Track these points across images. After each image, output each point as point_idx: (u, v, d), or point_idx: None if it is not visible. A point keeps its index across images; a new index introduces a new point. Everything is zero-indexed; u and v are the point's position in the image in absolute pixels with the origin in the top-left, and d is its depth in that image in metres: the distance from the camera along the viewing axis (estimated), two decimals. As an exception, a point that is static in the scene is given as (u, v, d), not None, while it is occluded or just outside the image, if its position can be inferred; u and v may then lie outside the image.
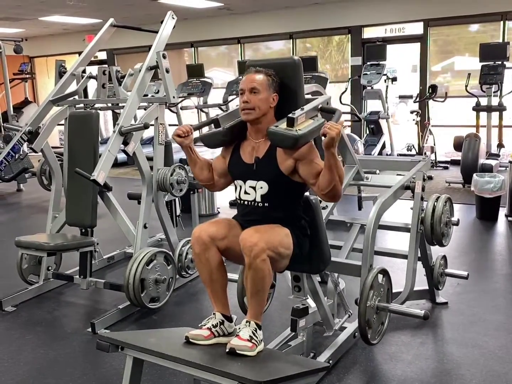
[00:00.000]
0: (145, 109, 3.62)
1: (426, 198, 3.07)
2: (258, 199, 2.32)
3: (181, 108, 9.26)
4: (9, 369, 2.74)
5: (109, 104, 4.18)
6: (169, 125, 9.14)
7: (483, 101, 7.45)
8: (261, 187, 2.31)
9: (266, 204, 2.31)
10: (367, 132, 8.72)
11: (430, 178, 3.15)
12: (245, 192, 2.35)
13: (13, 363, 2.79)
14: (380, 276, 2.64)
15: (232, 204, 2.54)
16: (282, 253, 2.22)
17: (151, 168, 3.52)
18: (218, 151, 2.55)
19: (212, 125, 2.46)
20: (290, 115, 2.19)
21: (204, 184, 2.59)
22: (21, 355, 2.88)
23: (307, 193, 2.45)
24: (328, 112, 2.35)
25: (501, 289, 3.60)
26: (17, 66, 10.30)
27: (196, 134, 2.48)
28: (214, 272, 2.29)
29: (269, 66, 2.35)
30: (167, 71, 3.45)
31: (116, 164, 7.89)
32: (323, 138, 2.10)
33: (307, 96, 2.51)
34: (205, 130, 2.63)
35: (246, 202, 2.36)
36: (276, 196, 2.31)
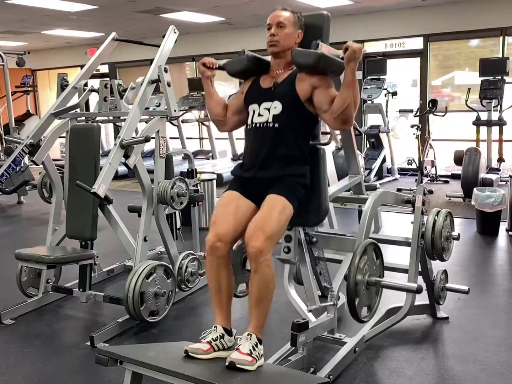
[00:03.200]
0: (146, 122, 3.64)
1: (426, 212, 3.07)
2: (270, 119, 2.39)
3: (182, 122, 9.29)
4: (7, 383, 2.72)
5: (111, 117, 4.20)
6: (170, 138, 9.19)
7: (483, 116, 7.48)
8: (275, 107, 2.40)
9: (276, 125, 2.38)
10: (368, 146, 8.74)
11: (430, 192, 3.15)
12: (259, 115, 2.43)
13: (11, 377, 2.77)
14: (372, 251, 2.54)
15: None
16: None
17: (152, 181, 3.53)
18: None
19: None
20: (314, 41, 2.36)
21: (215, 119, 2.67)
22: (19, 368, 2.86)
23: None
24: None
25: (502, 304, 3.58)
26: (19, 79, 10.36)
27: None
28: (223, 281, 2.32)
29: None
30: (169, 85, 3.47)
31: (117, 176, 7.89)
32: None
33: None
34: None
35: (257, 125, 2.42)
36: (288, 118, 2.38)
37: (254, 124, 2.44)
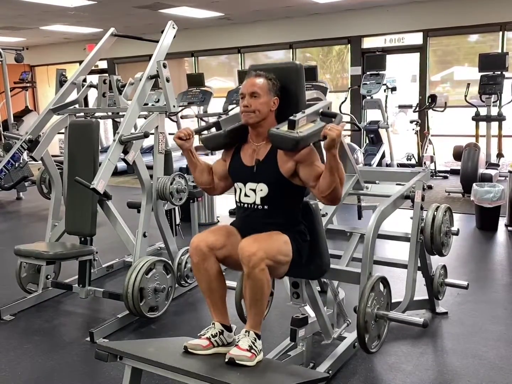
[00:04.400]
0: (145, 118, 3.63)
1: (425, 207, 3.07)
2: (258, 201, 2.32)
3: (181, 117, 9.27)
4: (7, 379, 2.72)
5: (110, 113, 4.20)
6: (169, 134, 9.17)
7: (483, 111, 7.47)
8: (261, 190, 2.32)
9: (265, 207, 2.32)
10: (367, 141, 8.73)
11: (429, 187, 3.16)
12: (245, 195, 2.36)
13: (11, 373, 2.78)
14: (380, 284, 2.63)
15: (232, 213, 2.55)
16: (281, 260, 2.22)
17: (151, 177, 3.52)
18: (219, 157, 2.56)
19: (214, 128, 2.48)
20: (291, 117, 2.20)
21: (204, 187, 2.59)
22: (19, 364, 2.86)
23: (306, 199, 2.45)
24: (329, 116, 2.36)
25: (501, 299, 3.59)
26: (18, 74, 10.34)
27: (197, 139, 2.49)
28: (213, 282, 2.28)
29: (271, 70, 2.36)
30: (168, 80, 3.47)
31: (116, 172, 7.88)
32: (322, 144, 2.11)
33: (308, 102, 2.52)
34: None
35: (246, 205, 2.36)
36: (276, 199, 2.32)
37: (242, 204, 2.38)
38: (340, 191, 2.21)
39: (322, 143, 2.14)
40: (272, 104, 2.32)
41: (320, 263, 2.41)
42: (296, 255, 2.28)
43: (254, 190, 2.33)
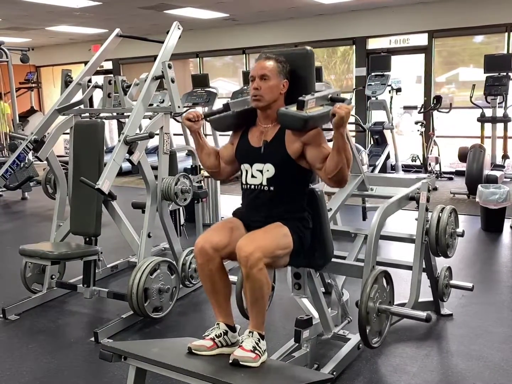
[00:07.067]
0: (150, 119, 3.64)
1: (430, 209, 3.06)
2: (264, 182, 2.33)
3: (186, 118, 9.27)
4: (11, 378, 2.73)
5: (115, 114, 4.20)
6: (174, 134, 9.19)
7: (488, 112, 7.45)
8: (268, 170, 2.32)
9: (271, 188, 2.32)
10: (372, 142, 8.71)
11: (434, 189, 3.15)
12: (252, 176, 2.36)
13: (15, 372, 2.78)
14: (383, 279, 2.60)
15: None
16: (280, 254, 2.23)
17: (156, 177, 3.53)
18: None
19: (223, 109, 2.49)
20: (300, 98, 2.21)
21: (210, 171, 2.61)
22: (23, 364, 2.87)
23: (312, 186, 2.45)
24: (338, 101, 2.34)
25: (506, 301, 3.58)
26: (24, 75, 10.36)
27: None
28: (218, 283, 2.28)
29: (281, 55, 2.37)
30: (173, 81, 3.47)
31: (121, 173, 7.87)
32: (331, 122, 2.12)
33: (317, 89, 2.51)
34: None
35: (252, 186, 2.36)
36: (282, 180, 2.32)
37: (248, 186, 2.38)
38: (346, 173, 2.21)
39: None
40: (281, 87, 2.33)
41: (323, 252, 2.40)
42: (297, 245, 2.28)
43: (261, 171, 2.34)
